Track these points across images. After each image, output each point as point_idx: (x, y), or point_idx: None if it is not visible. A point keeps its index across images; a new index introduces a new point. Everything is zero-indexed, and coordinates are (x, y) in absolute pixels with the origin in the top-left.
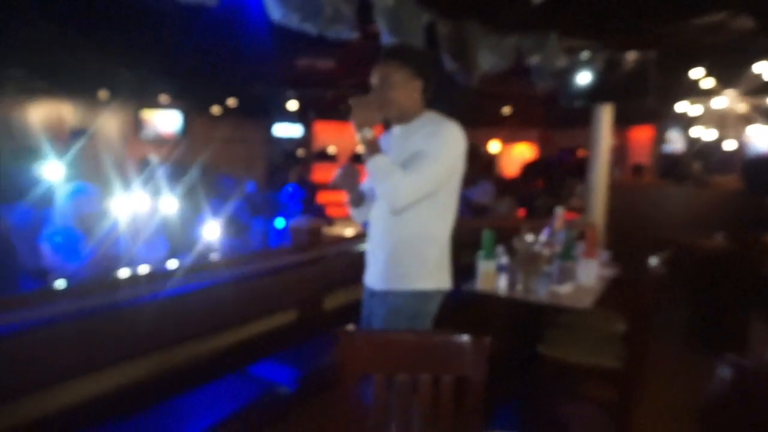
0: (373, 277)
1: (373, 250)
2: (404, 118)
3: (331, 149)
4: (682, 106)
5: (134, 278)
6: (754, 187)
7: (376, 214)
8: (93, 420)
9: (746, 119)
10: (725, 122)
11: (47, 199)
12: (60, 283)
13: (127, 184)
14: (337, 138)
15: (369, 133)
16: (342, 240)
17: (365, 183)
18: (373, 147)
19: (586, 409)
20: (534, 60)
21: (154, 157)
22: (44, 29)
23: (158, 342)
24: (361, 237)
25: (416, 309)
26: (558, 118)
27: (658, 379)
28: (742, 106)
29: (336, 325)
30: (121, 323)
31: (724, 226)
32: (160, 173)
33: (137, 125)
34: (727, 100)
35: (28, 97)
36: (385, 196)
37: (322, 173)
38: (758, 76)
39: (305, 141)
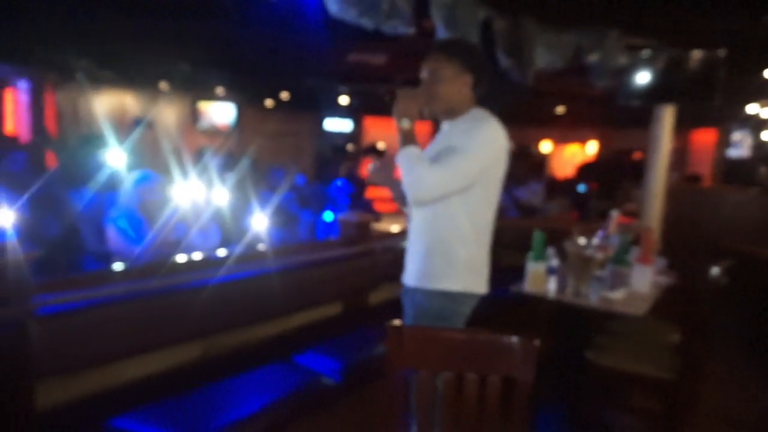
0: (407, 274)
1: (410, 247)
2: (452, 113)
3: (381, 145)
4: (752, 108)
5: (188, 264)
6: None
7: (414, 212)
8: (143, 398)
9: None
10: None
11: (111, 184)
12: (118, 266)
13: (184, 173)
14: (387, 134)
15: (407, 124)
16: (389, 235)
17: None
18: (409, 138)
19: (633, 420)
20: (593, 58)
21: (208, 148)
22: (111, 22)
23: (208, 326)
24: (407, 233)
25: (441, 309)
26: (617, 118)
27: (712, 392)
28: None
29: (380, 320)
30: (175, 306)
31: None
32: (213, 164)
33: (194, 116)
34: None
35: (95, 86)
36: (409, 186)
37: None
38: None
39: (355, 136)
